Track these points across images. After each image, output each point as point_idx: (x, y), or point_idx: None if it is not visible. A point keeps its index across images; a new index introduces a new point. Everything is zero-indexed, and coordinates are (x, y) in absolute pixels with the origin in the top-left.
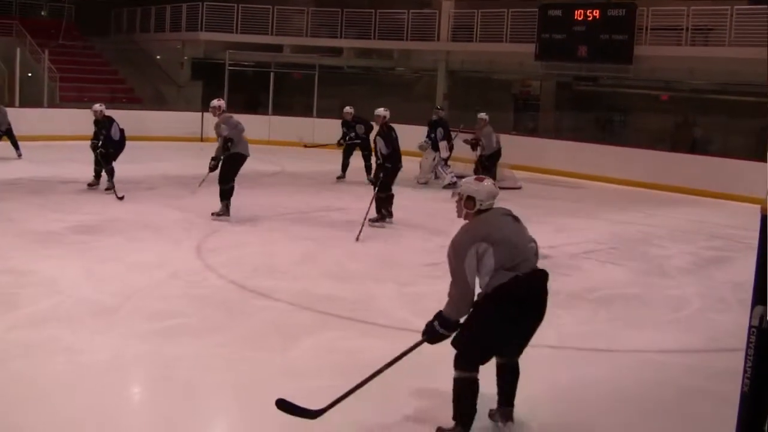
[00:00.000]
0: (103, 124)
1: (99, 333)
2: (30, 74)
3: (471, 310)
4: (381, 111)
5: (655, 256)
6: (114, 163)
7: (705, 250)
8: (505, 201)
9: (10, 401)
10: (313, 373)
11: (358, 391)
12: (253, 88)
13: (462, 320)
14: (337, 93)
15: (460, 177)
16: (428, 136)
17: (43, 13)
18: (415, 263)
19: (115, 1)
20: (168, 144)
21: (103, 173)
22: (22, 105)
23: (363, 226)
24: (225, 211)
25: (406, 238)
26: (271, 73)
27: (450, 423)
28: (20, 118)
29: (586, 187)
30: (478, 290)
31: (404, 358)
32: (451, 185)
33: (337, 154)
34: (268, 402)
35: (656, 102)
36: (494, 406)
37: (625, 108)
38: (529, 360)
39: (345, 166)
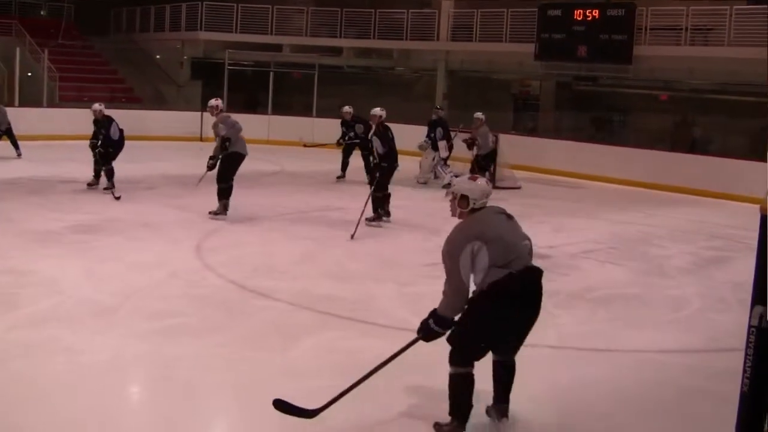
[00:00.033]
0: (102, 123)
1: (99, 333)
2: (29, 74)
3: (466, 307)
4: (377, 110)
5: (655, 256)
6: (113, 163)
7: (705, 250)
8: (505, 201)
9: (10, 401)
10: (313, 373)
11: (354, 390)
12: (253, 88)
13: (457, 317)
14: (336, 92)
15: (459, 177)
16: (428, 135)
17: (42, 13)
18: (414, 263)
19: (115, 1)
20: (167, 144)
21: (103, 173)
22: (22, 104)
23: (358, 224)
24: (222, 210)
25: (405, 237)
26: (271, 73)
27: (447, 418)
28: (20, 117)
29: (585, 187)
30: (473, 288)
31: (400, 356)
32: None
33: (337, 154)
34: (268, 402)
35: (655, 102)
36: (491, 402)
37: (624, 108)
38: (529, 360)
39: (345, 165)
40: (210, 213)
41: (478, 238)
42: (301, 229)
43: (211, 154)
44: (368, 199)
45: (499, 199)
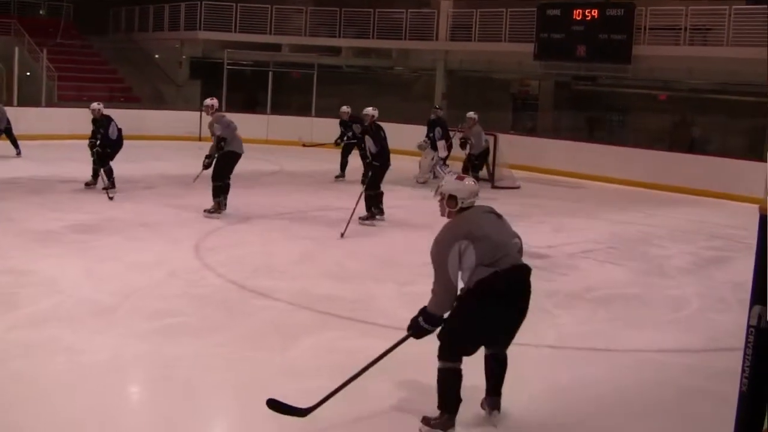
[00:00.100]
0: (100, 123)
1: (99, 333)
2: (28, 73)
3: (455, 304)
4: (369, 110)
5: (655, 256)
6: (112, 163)
7: (705, 250)
8: (504, 201)
9: (10, 401)
10: (313, 373)
11: (346, 388)
12: (252, 88)
13: (446, 314)
14: (335, 92)
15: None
16: (427, 135)
17: (41, 12)
18: (414, 263)
19: (114, 0)
20: (166, 143)
21: (102, 172)
22: (21, 104)
23: (349, 222)
24: (217, 209)
25: (405, 237)
26: (270, 73)
27: (436, 412)
28: (19, 117)
29: (585, 187)
30: (461, 285)
31: (390, 354)
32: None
33: (336, 154)
34: None
35: (655, 102)
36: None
37: (623, 108)
38: (529, 360)
39: (344, 165)
40: (205, 211)
41: (465, 237)
42: (301, 228)
43: (208, 152)
44: (359, 197)
45: (498, 200)
